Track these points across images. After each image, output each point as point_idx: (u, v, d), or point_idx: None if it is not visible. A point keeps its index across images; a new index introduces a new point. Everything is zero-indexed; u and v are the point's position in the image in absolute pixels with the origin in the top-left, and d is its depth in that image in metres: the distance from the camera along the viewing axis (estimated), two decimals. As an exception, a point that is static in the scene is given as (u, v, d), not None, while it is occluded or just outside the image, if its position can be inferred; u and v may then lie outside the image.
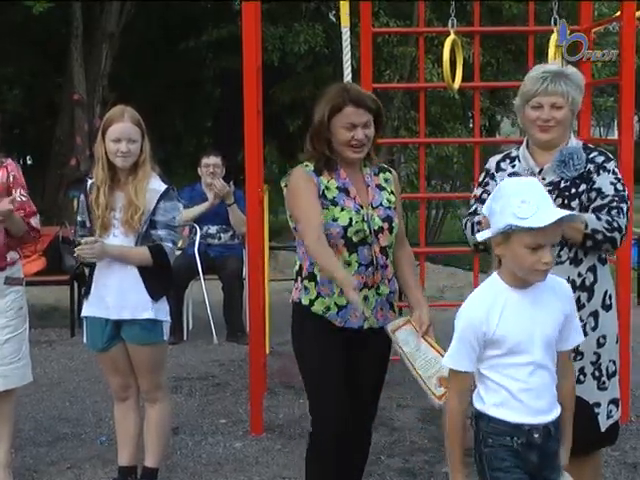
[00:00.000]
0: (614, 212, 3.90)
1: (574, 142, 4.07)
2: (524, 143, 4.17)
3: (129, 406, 4.94)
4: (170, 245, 4.68)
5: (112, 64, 14.39)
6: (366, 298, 4.02)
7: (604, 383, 4.03)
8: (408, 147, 14.32)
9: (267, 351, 7.30)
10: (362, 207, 4.04)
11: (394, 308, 4.19)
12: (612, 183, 3.95)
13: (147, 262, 4.63)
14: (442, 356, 3.98)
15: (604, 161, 4.00)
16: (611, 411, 4.07)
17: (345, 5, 5.98)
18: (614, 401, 4.08)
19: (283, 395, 6.84)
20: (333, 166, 4.06)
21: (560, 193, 3.96)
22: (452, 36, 6.18)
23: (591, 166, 3.98)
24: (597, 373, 4.01)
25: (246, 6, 5.90)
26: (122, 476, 4.96)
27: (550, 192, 3.92)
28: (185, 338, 8.70)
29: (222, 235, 8.79)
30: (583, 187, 3.95)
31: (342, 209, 3.99)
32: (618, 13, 6.34)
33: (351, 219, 3.97)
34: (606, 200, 3.92)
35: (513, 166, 4.15)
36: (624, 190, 3.98)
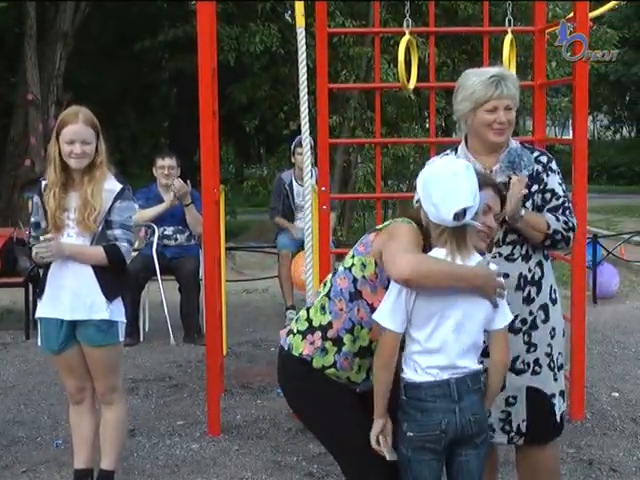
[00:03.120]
0: (567, 212, 4.01)
1: (513, 142, 4.09)
2: (462, 145, 4.14)
3: (85, 408, 4.89)
4: (126, 245, 4.66)
5: (67, 64, 14.29)
6: None
7: (555, 375, 4.06)
8: (364, 147, 14.36)
9: (224, 352, 7.29)
10: None
11: None
12: (560, 184, 4.05)
13: (102, 262, 4.60)
14: None
15: (548, 161, 4.07)
16: (561, 402, 4.10)
17: (300, 5, 5.96)
18: (562, 393, 4.12)
19: (240, 396, 6.82)
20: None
21: None
22: (407, 36, 6.19)
23: (538, 166, 4.02)
24: (552, 364, 4.03)
25: (201, 6, 5.87)
26: (78, 479, 4.91)
27: None
28: (141, 339, 8.65)
29: (178, 236, 8.75)
30: (535, 187, 4.00)
31: None
32: (572, 14, 6.38)
33: None
34: (560, 201, 4.01)
35: None
36: (567, 189, 4.11)
